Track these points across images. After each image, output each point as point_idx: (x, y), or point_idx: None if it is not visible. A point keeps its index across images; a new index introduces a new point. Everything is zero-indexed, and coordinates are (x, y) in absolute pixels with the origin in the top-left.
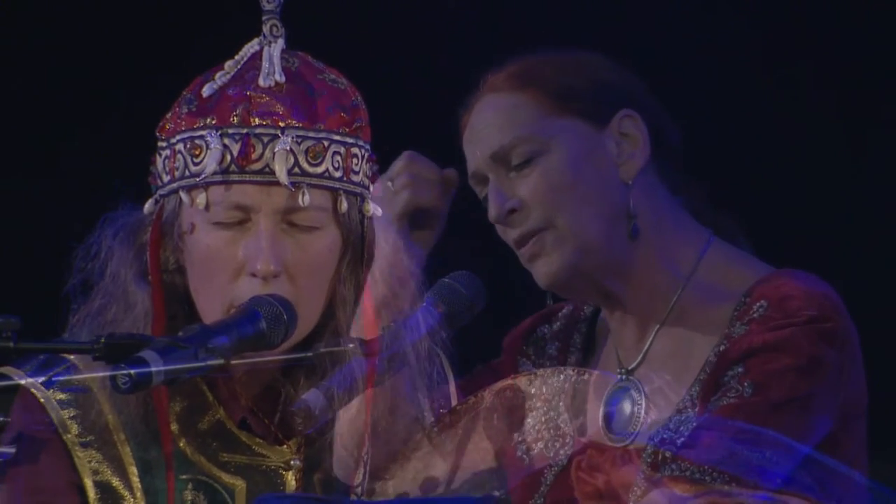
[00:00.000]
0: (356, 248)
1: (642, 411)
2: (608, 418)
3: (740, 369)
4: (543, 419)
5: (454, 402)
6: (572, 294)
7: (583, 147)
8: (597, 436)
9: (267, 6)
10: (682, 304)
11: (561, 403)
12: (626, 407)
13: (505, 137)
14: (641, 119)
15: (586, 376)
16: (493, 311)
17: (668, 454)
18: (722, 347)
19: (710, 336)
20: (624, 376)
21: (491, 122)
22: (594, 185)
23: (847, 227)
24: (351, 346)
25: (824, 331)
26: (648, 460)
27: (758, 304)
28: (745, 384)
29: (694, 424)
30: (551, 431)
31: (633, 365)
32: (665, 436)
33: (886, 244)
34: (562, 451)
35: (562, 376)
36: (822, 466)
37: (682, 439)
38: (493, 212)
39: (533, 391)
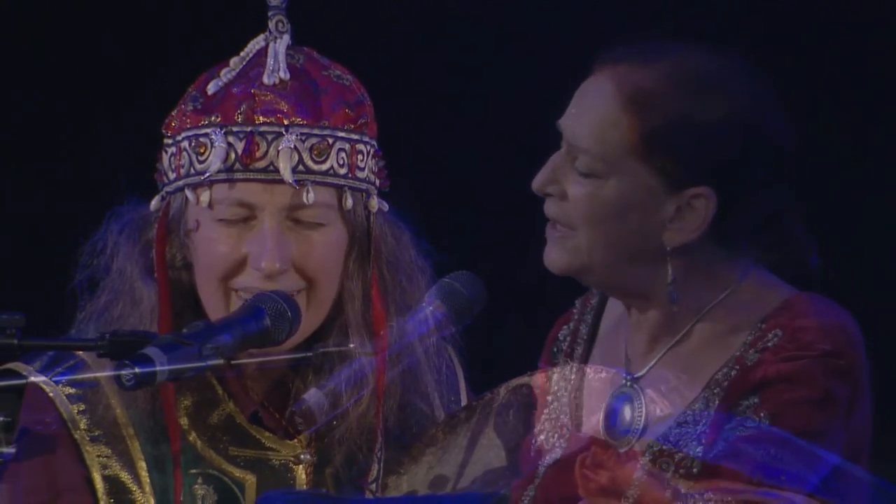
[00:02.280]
0: (363, 244)
1: (641, 419)
2: (609, 419)
3: (756, 400)
4: (548, 411)
5: (464, 397)
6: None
7: (641, 198)
8: (596, 434)
9: (273, 1)
10: (698, 327)
11: (565, 397)
12: (626, 412)
13: (583, 141)
14: (715, 202)
15: (592, 372)
16: (493, 311)
17: (665, 464)
18: (733, 372)
19: (720, 355)
20: (629, 384)
21: (587, 113)
22: (631, 231)
23: (847, 228)
24: (352, 345)
25: (837, 367)
26: (646, 468)
27: (772, 332)
28: (762, 415)
29: (698, 441)
30: (552, 423)
31: (640, 373)
32: (664, 447)
33: (886, 245)
34: (557, 445)
35: (569, 371)
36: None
37: (680, 455)
38: (535, 183)
39: (549, 388)
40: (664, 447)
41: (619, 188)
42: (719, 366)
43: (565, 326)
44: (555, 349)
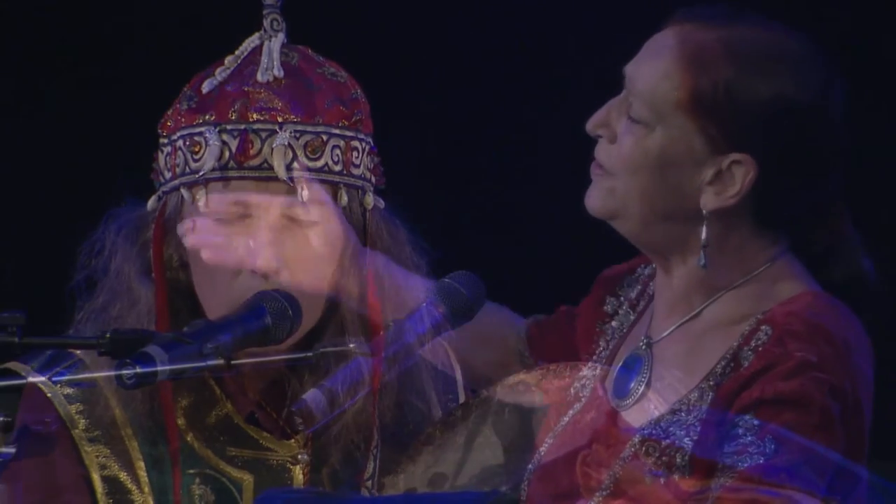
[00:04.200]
0: (358, 242)
1: (640, 390)
2: (618, 376)
3: (755, 422)
4: (595, 358)
5: (461, 395)
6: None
7: (682, 154)
8: (607, 392)
9: (268, 0)
10: (710, 308)
11: (606, 352)
12: (633, 374)
13: (640, 84)
14: (755, 172)
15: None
16: None
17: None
18: (728, 369)
19: (721, 345)
20: (644, 345)
21: (648, 62)
22: (667, 188)
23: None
24: (352, 345)
25: (827, 383)
26: (633, 449)
27: (763, 327)
28: (766, 440)
29: (686, 432)
30: (590, 376)
31: (656, 339)
32: (654, 432)
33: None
34: (583, 396)
35: (622, 325)
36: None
37: (667, 441)
38: (589, 123)
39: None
40: (653, 433)
41: (662, 140)
42: (719, 356)
43: (643, 267)
44: (625, 284)
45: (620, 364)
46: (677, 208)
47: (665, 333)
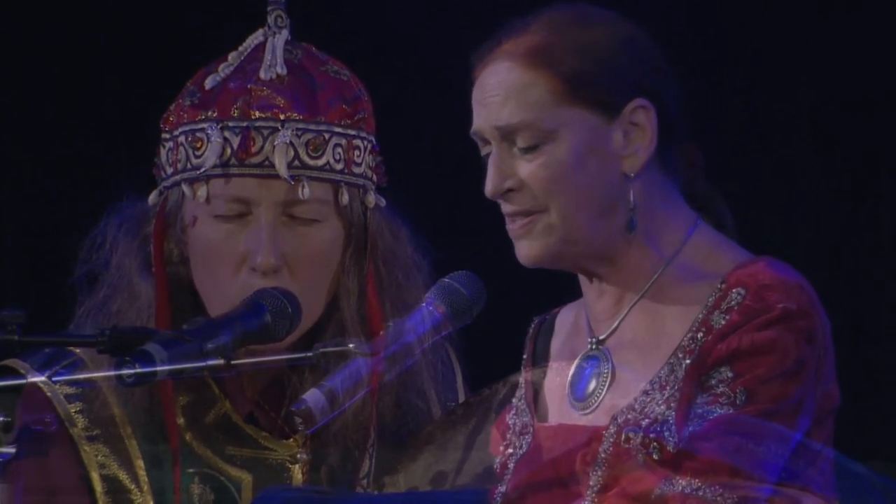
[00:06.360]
0: (359, 240)
1: (606, 384)
2: (575, 384)
3: (729, 374)
4: (511, 424)
5: (461, 395)
6: (553, 268)
7: (590, 139)
8: (561, 404)
9: None
10: (660, 283)
11: (522, 402)
12: (593, 373)
13: (513, 117)
14: (654, 109)
15: (547, 366)
16: (495, 311)
17: (632, 435)
18: (700, 335)
19: (683, 318)
20: (594, 345)
21: (502, 93)
22: (595, 178)
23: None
24: (351, 345)
25: (805, 330)
26: (611, 439)
27: (735, 290)
28: (738, 391)
29: (667, 406)
30: (516, 432)
31: (605, 335)
32: (629, 416)
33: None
34: (524, 443)
35: (521, 381)
36: (806, 455)
37: (647, 420)
38: (490, 188)
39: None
40: (629, 417)
41: (567, 141)
42: (684, 331)
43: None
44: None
45: (571, 373)
46: (611, 194)
47: (616, 324)
